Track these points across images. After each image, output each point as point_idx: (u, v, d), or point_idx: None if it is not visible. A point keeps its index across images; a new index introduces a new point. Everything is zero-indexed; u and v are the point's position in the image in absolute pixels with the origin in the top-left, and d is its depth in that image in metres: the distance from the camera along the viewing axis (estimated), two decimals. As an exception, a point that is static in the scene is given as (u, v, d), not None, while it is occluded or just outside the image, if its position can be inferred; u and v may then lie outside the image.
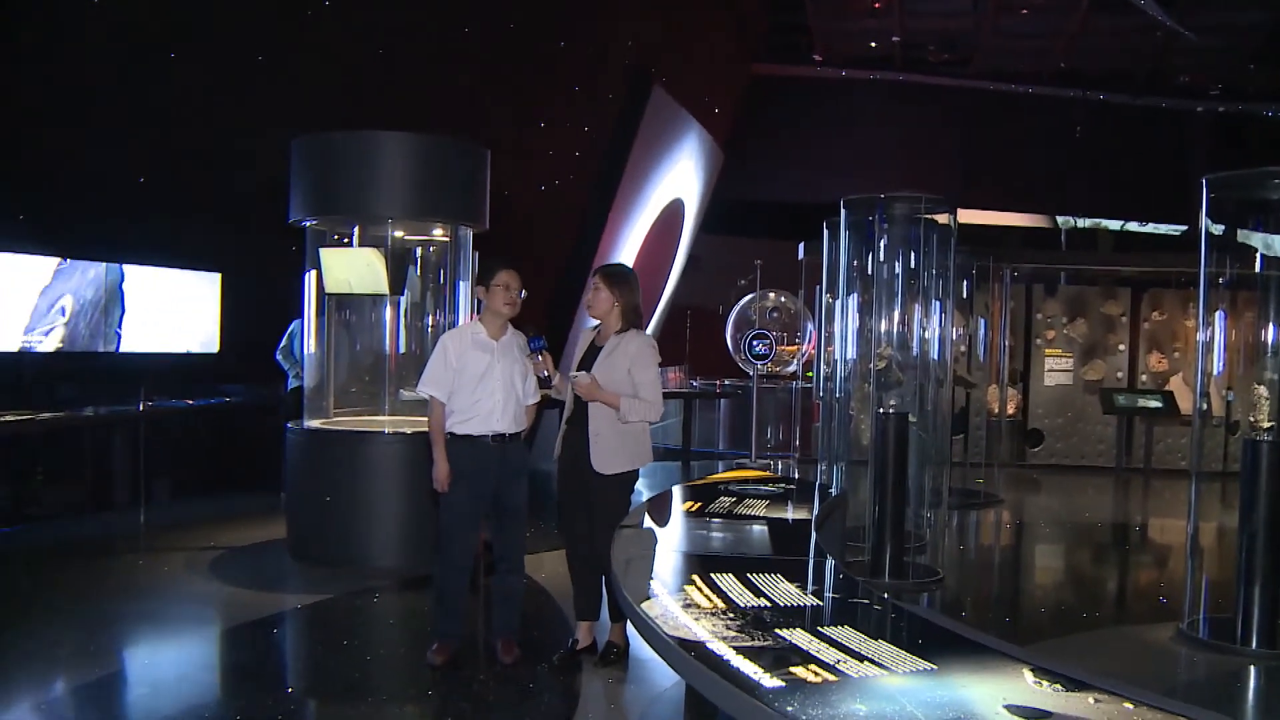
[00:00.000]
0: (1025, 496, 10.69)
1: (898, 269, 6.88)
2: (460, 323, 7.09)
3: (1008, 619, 6.07)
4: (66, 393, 8.33)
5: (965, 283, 9.96)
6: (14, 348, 7.79)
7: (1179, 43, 16.66)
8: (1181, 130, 20.05)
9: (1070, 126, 19.85)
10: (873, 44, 18.57)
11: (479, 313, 4.87)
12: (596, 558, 4.72)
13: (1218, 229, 5.75)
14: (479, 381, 4.64)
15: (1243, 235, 5.94)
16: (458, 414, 4.67)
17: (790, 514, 4.24)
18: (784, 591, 2.84)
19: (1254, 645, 5.15)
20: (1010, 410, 12.04)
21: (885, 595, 2.90)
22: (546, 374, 4.69)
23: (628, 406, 4.54)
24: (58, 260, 8.09)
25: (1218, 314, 5.76)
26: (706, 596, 2.75)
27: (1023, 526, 9.24)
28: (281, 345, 8.45)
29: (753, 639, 2.38)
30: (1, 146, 7.62)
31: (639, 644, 4.82)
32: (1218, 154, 18.82)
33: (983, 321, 11.07)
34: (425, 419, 6.85)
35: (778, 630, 2.45)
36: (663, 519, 4.10)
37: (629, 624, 4.76)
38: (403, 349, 7.41)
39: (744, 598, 2.76)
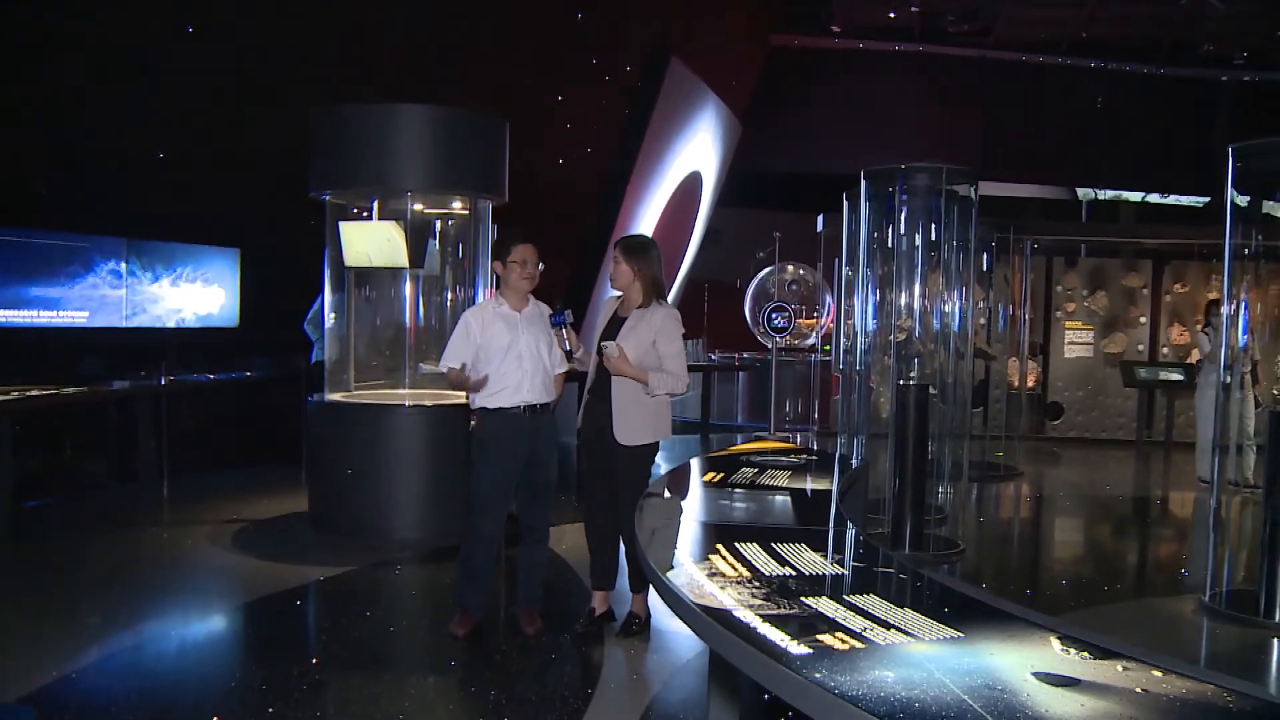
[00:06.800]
0: (1045, 469, 10.66)
1: (918, 241, 6.83)
2: (480, 296, 7.10)
3: (1029, 591, 6.07)
4: (90, 368, 8.38)
5: (985, 255, 9.90)
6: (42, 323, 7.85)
7: (1204, 10, 16.42)
8: (1206, 100, 19.79)
9: (1091, 97, 19.63)
10: (891, 14, 18.38)
11: (497, 287, 4.87)
12: (616, 528, 4.75)
13: (1243, 200, 5.68)
14: (505, 354, 4.65)
15: (1269, 206, 5.87)
16: (487, 388, 4.68)
17: (812, 485, 4.23)
18: (808, 560, 2.84)
19: (1276, 618, 5.13)
20: (1030, 383, 12.00)
21: (912, 564, 2.89)
22: (569, 348, 4.67)
23: (656, 380, 4.54)
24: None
25: (1242, 286, 5.70)
26: (731, 565, 2.75)
27: (1043, 499, 9.21)
28: (310, 315, 8.46)
29: (778, 607, 2.38)
30: (22, 125, 7.64)
31: (660, 615, 4.84)
32: (1244, 123, 18.56)
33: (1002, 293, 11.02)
34: (445, 392, 6.92)
35: (803, 598, 2.45)
36: (685, 490, 4.10)
37: (649, 595, 4.78)
38: (423, 322, 7.42)
39: (769, 566, 2.75)
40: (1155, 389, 12.07)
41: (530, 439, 4.71)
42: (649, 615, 4.85)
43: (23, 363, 7.78)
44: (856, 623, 2.27)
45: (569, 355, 4.69)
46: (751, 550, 2.92)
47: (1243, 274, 5.67)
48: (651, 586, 2.88)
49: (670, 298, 15.77)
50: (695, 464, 4.69)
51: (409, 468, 6.65)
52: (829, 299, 13.32)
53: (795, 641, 2.13)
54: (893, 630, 2.23)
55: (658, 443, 4.72)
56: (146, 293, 8.77)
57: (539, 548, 4.90)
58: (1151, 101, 19.68)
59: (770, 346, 12.23)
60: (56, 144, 7.87)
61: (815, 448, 5.86)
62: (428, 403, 6.73)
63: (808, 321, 13.60)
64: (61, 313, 8.02)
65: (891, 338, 6.77)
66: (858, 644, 2.14)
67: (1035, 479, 10.01)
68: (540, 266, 4.75)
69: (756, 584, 2.58)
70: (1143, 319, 12.63)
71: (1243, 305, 5.65)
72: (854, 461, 5.31)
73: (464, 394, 5.11)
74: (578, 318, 11.56)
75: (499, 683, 4.20)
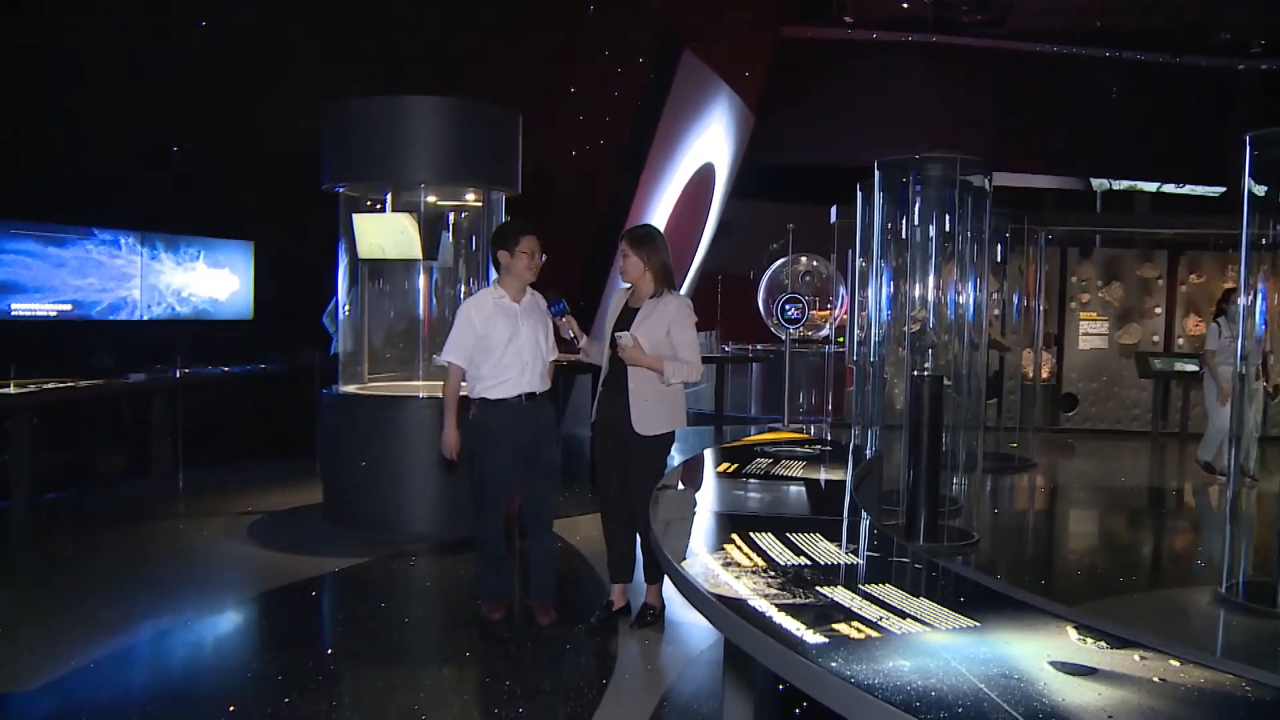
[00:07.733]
0: (1059, 461, 10.62)
1: (932, 232, 6.81)
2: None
3: (1043, 582, 6.05)
4: (105, 361, 8.41)
5: (999, 246, 9.86)
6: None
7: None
8: (1222, 89, 19.63)
9: (1106, 87, 19.49)
10: (904, 4, 18.28)
11: (497, 276, 4.86)
12: (632, 519, 4.74)
13: (1260, 189, 5.64)
14: (506, 346, 4.67)
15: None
16: (488, 379, 4.70)
17: (826, 475, 4.22)
18: (823, 550, 2.83)
19: (1294, 608, 5.11)
20: (1044, 374, 11.95)
21: (927, 555, 2.88)
22: (573, 335, 4.71)
23: (671, 369, 4.55)
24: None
25: (1259, 276, 5.66)
26: (746, 555, 2.75)
27: (1057, 491, 9.18)
28: (329, 310, 8.48)
29: (794, 596, 2.37)
30: (34, 117, 7.66)
31: (674, 606, 4.84)
32: (1261, 112, 18.40)
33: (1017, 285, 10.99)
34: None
35: (818, 588, 2.45)
36: (700, 480, 4.10)
37: (664, 586, 4.78)
38: (436, 314, 7.42)
39: (784, 556, 2.75)
40: (1170, 380, 12.01)
41: (530, 427, 4.74)
42: (664, 606, 4.85)
43: (38, 356, 7.80)
44: (872, 612, 2.27)
45: (574, 343, 4.73)
46: (766, 540, 2.91)
47: (1259, 264, 5.63)
48: (666, 577, 2.88)
49: (683, 289, 15.74)
50: (709, 454, 4.69)
51: (423, 460, 6.65)
52: (843, 290, 13.30)
53: (811, 631, 2.13)
54: (908, 620, 2.22)
55: (674, 432, 4.73)
56: (160, 280, 8.79)
57: (546, 536, 4.91)
58: (1167, 91, 19.52)
59: (784, 338, 12.22)
60: (70, 137, 7.90)
61: (829, 439, 5.85)
62: (441, 395, 6.72)
63: (821, 313, 13.58)
64: (76, 305, 8.05)
65: (906, 329, 6.75)
66: (874, 633, 2.13)
67: (1050, 470, 9.98)
68: (543, 258, 4.76)
69: (771, 574, 2.57)
70: (1158, 310, 12.56)
71: (1260, 296, 5.61)
72: (868, 452, 5.29)
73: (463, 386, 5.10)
74: (589, 310, 11.57)
75: (513, 674, 4.21)
